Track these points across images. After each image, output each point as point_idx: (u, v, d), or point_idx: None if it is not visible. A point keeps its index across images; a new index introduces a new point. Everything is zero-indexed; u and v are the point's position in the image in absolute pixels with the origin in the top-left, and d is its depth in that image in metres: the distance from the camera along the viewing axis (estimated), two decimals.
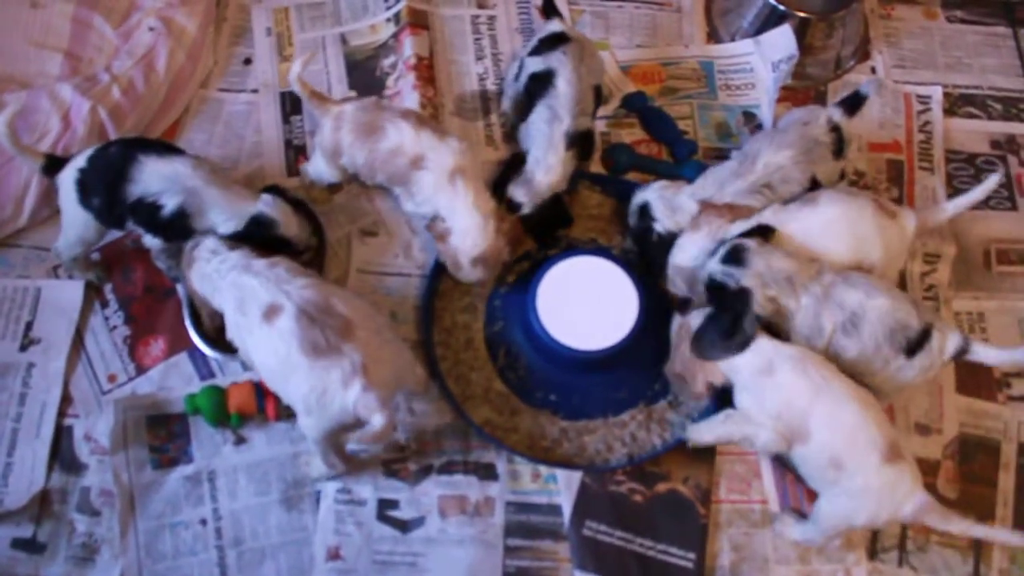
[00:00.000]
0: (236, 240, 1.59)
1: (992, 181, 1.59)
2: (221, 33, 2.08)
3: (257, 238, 1.60)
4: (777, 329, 1.51)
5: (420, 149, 1.63)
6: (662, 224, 1.67)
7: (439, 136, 1.65)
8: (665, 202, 1.67)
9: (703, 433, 1.52)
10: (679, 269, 1.63)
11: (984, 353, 1.49)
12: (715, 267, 1.52)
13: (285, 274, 1.47)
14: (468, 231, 1.63)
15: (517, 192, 1.71)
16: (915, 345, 1.47)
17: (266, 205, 1.62)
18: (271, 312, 1.43)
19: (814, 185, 1.65)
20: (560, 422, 1.66)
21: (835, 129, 1.67)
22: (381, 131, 1.65)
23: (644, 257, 1.73)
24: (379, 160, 1.66)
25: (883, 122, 1.99)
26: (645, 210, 1.69)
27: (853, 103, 1.70)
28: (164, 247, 1.67)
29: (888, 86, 2.03)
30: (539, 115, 1.74)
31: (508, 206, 1.72)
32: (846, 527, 1.48)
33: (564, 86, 1.73)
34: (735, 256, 1.51)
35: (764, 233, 1.55)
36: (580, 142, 1.73)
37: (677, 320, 1.57)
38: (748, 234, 1.54)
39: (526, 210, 1.71)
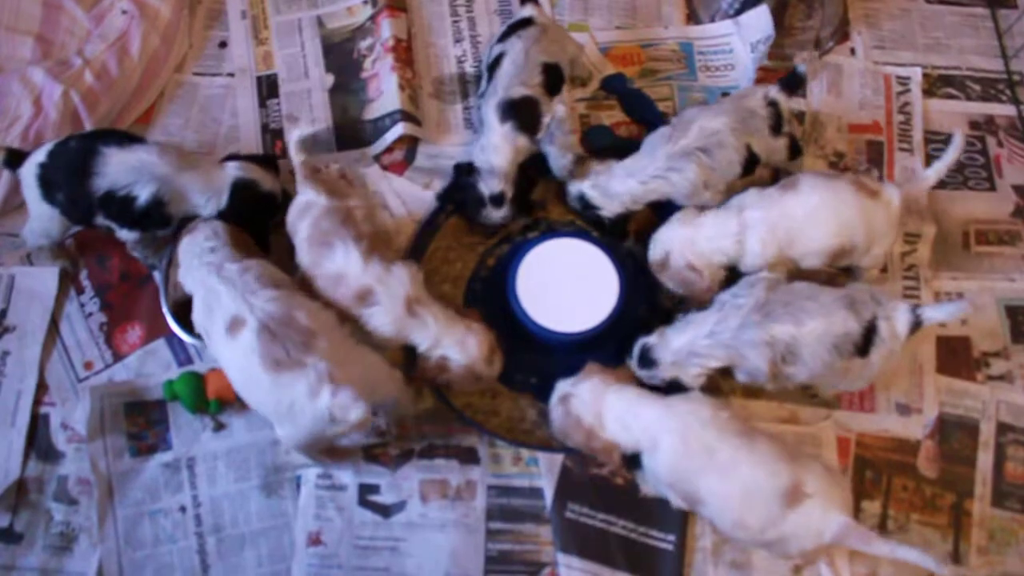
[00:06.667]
0: (224, 217, 1.59)
1: (958, 139, 1.62)
2: (196, 16, 2.06)
3: (247, 204, 1.60)
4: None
5: (367, 281, 1.49)
6: (607, 210, 1.70)
7: (385, 266, 1.51)
8: (600, 191, 1.70)
9: None
10: (658, 267, 1.65)
11: (935, 313, 1.50)
12: (636, 373, 1.57)
13: (253, 283, 1.44)
14: (463, 341, 1.51)
15: (490, 185, 1.69)
16: (865, 345, 1.48)
17: (237, 169, 1.62)
18: (235, 325, 1.41)
19: (751, 156, 1.66)
20: (541, 405, 1.65)
21: (772, 104, 1.69)
22: (330, 248, 1.51)
23: (607, 233, 1.76)
24: (320, 278, 1.52)
25: (863, 103, 1.98)
26: (585, 201, 1.72)
27: (791, 82, 1.72)
28: (139, 238, 1.65)
29: (868, 67, 2.03)
30: (485, 98, 1.74)
31: (492, 201, 1.70)
32: (786, 559, 1.51)
33: (508, 64, 1.72)
34: (645, 359, 1.55)
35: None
36: (515, 111, 1.69)
37: (560, 394, 1.53)
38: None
39: (509, 194, 1.71)
